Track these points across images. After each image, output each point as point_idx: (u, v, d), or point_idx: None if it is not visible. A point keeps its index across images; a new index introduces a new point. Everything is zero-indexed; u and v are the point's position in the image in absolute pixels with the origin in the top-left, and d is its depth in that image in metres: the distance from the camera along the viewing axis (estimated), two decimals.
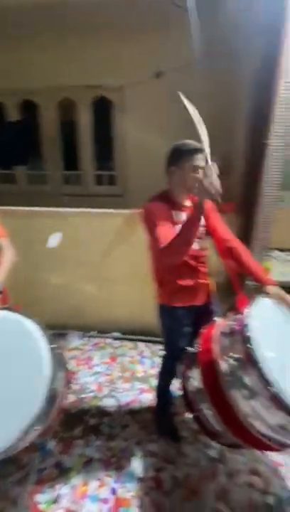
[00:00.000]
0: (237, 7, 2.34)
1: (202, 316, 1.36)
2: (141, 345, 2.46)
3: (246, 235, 2.08)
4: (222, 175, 1.01)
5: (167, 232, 1.14)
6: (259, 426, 0.89)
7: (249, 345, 0.87)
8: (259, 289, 1.18)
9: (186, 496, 1.31)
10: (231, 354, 0.93)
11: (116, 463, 1.45)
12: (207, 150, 1.05)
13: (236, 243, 1.29)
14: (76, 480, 1.37)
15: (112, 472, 1.41)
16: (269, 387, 0.81)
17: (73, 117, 3.19)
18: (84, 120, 3.14)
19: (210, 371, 1.00)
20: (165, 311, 1.40)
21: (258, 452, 1.54)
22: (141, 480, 1.38)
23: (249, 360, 0.86)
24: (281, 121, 1.83)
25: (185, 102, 1.07)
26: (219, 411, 0.96)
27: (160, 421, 1.65)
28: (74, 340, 2.49)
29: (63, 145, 3.36)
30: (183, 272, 1.30)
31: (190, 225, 1.06)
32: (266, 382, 0.82)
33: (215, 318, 1.23)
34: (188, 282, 1.31)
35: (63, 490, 1.32)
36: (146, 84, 2.75)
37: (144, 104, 2.88)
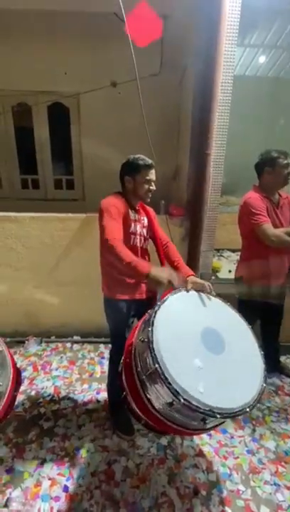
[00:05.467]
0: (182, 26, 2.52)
1: (147, 309, 1.46)
2: (102, 346, 2.52)
3: (193, 236, 2.25)
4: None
5: (114, 227, 1.28)
6: (158, 405, 0.97)
7: (149, 328, 0.97)
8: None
9: (135, 483, 1.40)
10: (141, 337, 1.03)
11: (69, 461, 1.49)
12: None
13: (170, 244, 1.58)
14: (28, 482, 1.39)
15: (65, 471, 1.45)
16: (156, 365, 0.91)
17: (29, 122, 3.16)
18: (41, 124, 3.12)
19: (128, 353, 1.10)
20: (109, 303, 1.49)
21: (204, 436, 1.67)
22: (92, 475, 1.43)
23: (148, 341, 0.96)
24: (221, 133, 2.02)
25: None
26: (130, 386, 1.05)
27: (114, 417, 1.71)
28: (33, 346, 2.47)
29: (20, 149, 3.30)
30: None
31: (134, 270, 1.20)
32: (154, 359, 0.92)
33: None
34: (129, 276, 1.41)
35: (14, 493, 1.34)
36: (101, 92, 2.83)
37: (99, 111, 2.96)
